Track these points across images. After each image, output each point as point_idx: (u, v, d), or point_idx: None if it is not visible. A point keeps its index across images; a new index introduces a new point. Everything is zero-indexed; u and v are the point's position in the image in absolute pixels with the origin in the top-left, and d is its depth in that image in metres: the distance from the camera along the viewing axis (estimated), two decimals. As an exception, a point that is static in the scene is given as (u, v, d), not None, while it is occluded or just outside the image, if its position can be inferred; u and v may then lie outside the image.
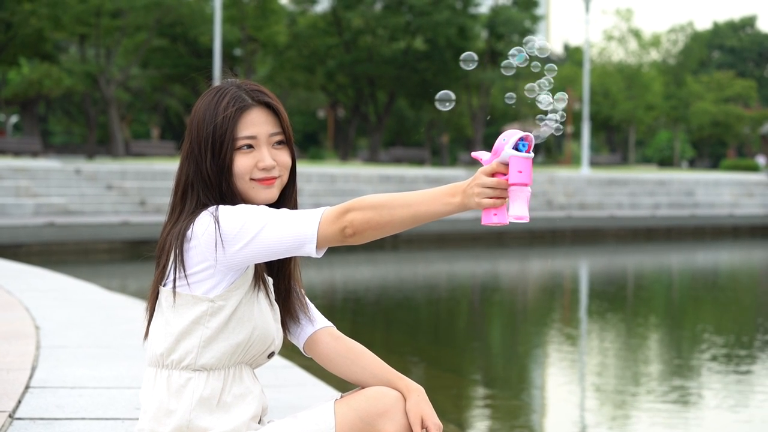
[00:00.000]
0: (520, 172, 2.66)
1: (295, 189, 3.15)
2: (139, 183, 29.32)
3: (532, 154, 2.68)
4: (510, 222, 2.70)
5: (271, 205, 3.04)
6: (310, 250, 2.84)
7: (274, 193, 3.04)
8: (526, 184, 2.67)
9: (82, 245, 23.96)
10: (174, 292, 2.98)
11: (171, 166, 32.02)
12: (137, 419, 3.67)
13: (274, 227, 2.85)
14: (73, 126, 71.84)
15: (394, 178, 35.33)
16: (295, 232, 2.84)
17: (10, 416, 4.54)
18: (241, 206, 2.92)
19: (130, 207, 27.91)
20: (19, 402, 4.85)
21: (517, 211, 2.68)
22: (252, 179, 3.01)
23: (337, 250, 23.90)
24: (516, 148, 2.68)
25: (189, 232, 2.94)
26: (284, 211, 2.89)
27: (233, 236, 2.87)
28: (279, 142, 3.06)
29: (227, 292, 2.96)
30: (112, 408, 4.82)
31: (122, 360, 6.22)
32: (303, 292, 3.26)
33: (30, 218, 25.04)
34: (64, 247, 23.53)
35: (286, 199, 3.12)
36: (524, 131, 2.70)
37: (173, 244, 2.96)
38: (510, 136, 2.69)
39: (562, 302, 17.79)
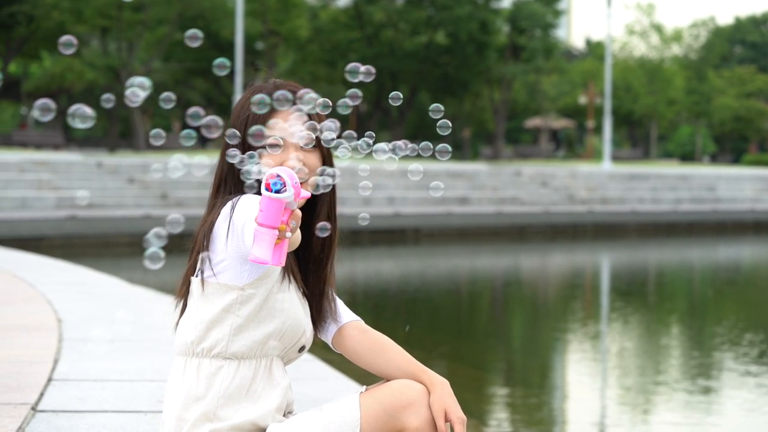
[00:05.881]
0: (262, 211, 2.49)
1: (333, 195, 3.14)
2: (161, 176, 29.34)
3: (282, 195, 2.47)
4: (259, 261, 2.48)
5: (302, 209, 3.03)
6: None
7: None
8: (270, 227, 2.48)
9: (104, 238, 24.01)
10: (203, 281, 3.00)
11: (192, 159, 31.97)
12: (160, 412, 3.66)
13: (247, 230, 2.80)
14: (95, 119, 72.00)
15: (416, 172, 35.23)
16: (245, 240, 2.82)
17: (33, 408, 4.54)
18: (256, 200, 2.88)
19: (151, 200, 27.93)
20: (42, 395, 4.86)
21: (257, 252, 2.49)
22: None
23: (357, 246, 23.87)
24: (270, 186, 2.48)
25: (216, 223, 2.97)
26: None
27: (235, 228, 2.87)
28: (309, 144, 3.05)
29: (257, 280, 2.97)
30: (135, 401, 4.82)
31: (144, 353, 6.23)
32: (334, 293, 3.26)
33: (52, 211, 25.10)
34: (86, 240, 23.59)
35: (320, 202, 3.11)
36: (280, 170, 2.49)
37: (203, 236, 2.99)
38: (267, 174, 2.49)
39: (584, 298, 17.74)
